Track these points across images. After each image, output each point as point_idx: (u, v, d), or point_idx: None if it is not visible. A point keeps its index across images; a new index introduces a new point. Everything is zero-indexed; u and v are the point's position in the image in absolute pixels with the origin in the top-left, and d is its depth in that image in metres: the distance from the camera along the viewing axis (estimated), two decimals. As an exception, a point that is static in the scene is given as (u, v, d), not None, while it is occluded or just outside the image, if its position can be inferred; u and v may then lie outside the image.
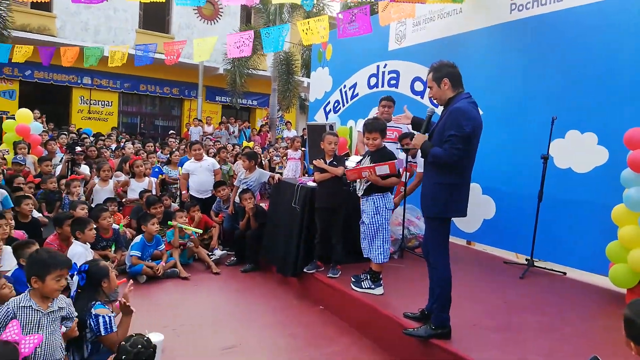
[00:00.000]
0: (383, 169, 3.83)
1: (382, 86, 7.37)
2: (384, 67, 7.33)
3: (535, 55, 5.09)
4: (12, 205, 5.01)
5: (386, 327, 3.62)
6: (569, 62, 4.77)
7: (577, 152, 4.68)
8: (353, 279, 4.20)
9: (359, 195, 4.07)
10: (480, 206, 5.49)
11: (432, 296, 3.32)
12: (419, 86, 6.62)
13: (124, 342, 2.41)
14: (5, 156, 6.92)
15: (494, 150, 5.41)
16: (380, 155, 3.95)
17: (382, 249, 3.98)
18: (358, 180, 4.02)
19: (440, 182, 3.07)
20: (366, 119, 4.27)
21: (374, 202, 3.95)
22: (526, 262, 4.88)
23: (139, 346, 2.36)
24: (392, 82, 7.16)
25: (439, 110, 3.30)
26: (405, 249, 5.25)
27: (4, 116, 8.90)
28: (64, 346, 2.69)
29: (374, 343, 3.73)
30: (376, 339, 3.75)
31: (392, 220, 5.39)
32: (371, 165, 3.87)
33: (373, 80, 7.59)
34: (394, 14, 5.91)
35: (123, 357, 2.34)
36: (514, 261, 5.28)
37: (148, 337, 2.45)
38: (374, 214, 3.95)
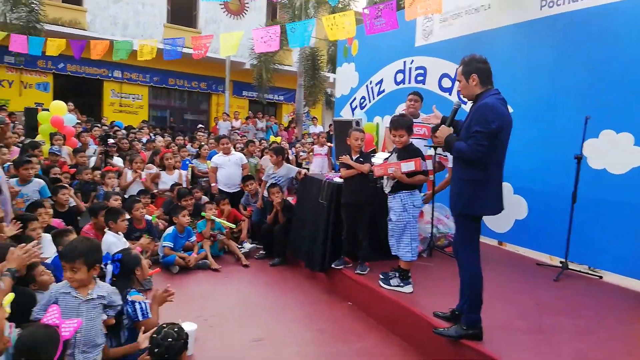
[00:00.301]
0: (408, 165, 3.82)
1: (409, 82, 7.29)
2: (411, 63, 7.25)
3: (566, 52, 4.96)
4: (50, 195, 5.16)
5: (415, 325, 3.61)
6: (602, 60, 4.62)
7: (612, 152, 4.55)
8: (381, 277, 4.20)
9: (387, 192, 4.06)
10: (512, 206, 5.39)
11: (462, 296, 3.29)
12: (446, 83, 6.54)
13: (155, 335, 2.45)
14: (41, 147, 7.14)
15: (525, 149, 5.31)
16: (406, 152, 3.93)
17: (409, 247, 3.96)
18: (385, 177, 4.02)
19: (464, 178, 3.05)
20: (392, 115, 4.24)
21: (402, 200, 3.93)
22: (560, 265, 4.78)
23: (170, 339, 2.40)
24: (419, 78, 7.09)
25: (467, 106, 3.25)
26: (434, 247, 5.21)
27: (39, 108, 9.13)
28: (104, 332, 2.77)
29: (402, 341, 3.72)
30: (405, 336, 3.74)
31: (420, 219, 5.38)
32: (398, 162, 3.86)
33: (400, 77, 7.53)
34: (420, 9, 5.84)
35: (155, 350, 2.38)
36: (548, 263, 5.18)
37: (179, 328, 2.48)
38: (401, 212, 3.93)
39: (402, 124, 3.91)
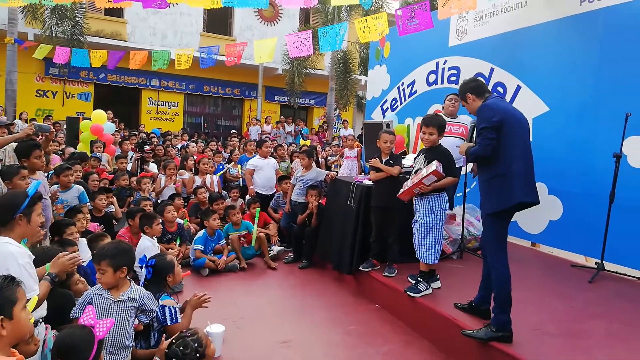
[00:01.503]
0: (430, 179, 3.72)
1: (442, 83, 7.21)
2: (444, 63, 7.17)
3: (606, 48, 4.80)
4: (88, 201, 5.37)
5: (444, 328, 3.56)
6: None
7: (654, 150, 4.37)
8: (408, 290, 4.00)
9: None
10: (546, 206, 5.24)
11: (481, 289, 3.45)
12: (480, 82, 6.43)
13: (174, 341, 2.50)
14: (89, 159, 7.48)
15: (561, 148, 5.18)
16: (434, 153, 3.84)
17: (433, 250, 3.87)
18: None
19: (489, 177, 3.17)
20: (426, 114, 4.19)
21: (429, 202, 3.87)
22: (596, 266, 4.61)
23: (186, 349, 2.44)
24: (452, 78, 6.99)
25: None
26: (465, 250, 5.13)
27: (80, 117, 9.55)
28: (133, 336, 2.86)
29: (431, 344, 3.68)
30: (433, 339, 3.69)
31: (452, 221, 5.31)
32: (419, 180, 3.76)
33: (432, 77, 7.45)
34: (454, 8, 5.77)
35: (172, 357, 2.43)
36: (583, 264, 5.01)
37: (198, 338, 2.53)
38: (428, 213, 3.87)
39: (434, 122, 3.83)
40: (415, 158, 4.11)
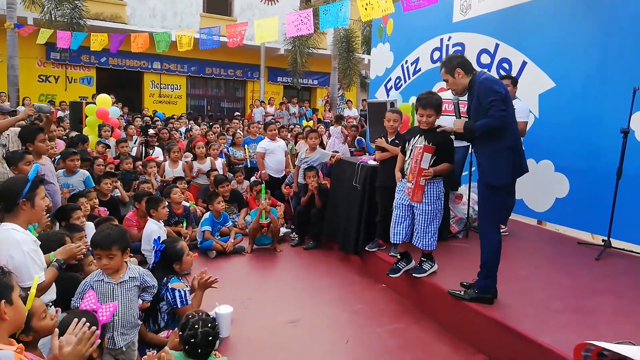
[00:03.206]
0: (425, 159, 3.53)
1: (447, 60, 7.11)
2: (448, 40, 7.06)
3: (613, 22, 4.70)
4: (94, 185, 5.39)
5: (450, 307, 3.58)
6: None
7: (663, 125, 4.32)
8: (413, 271, 3.96)
9: None
10: (553, 184, 5.22)
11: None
12: (485, 59, 6.34)
13: (188, 317, 2.51)
14: (88, 140, 7.45)
15: (567, 124, 5.13)
16: (435, 136, 3.61)
17: (435, 237, 3.79)
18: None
19: (498, 149, 3.17)
20: (420, 93, 3.90)
21: (436, 187, 3.71)
22: (602, 243, 4.60)
23: (200, 327, 2.45)
24: (457, 55, 6.90)
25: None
26: (470, 229, 5.13)
27: (84, 102, 9.51)
28: (139, 314, 2.88)
29: (436, 322, 3.70)
30: (439, 318, 3.72)
31: (458, 200, 5.30)
32: (417, 168, 3.55)
33: (436, 54, 7.34)
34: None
35: (187, 335, 2.44)
36: (589, 242, 5.00)
37: (213, 319, 2.54)
38: (435, 199, 3.71)
39: (430, 103, 3.61)
40: (414, 140, 3.75)
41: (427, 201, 3.71)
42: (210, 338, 2.43)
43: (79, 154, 5.43)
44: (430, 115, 3.62)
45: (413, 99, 7.75)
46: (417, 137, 3.70)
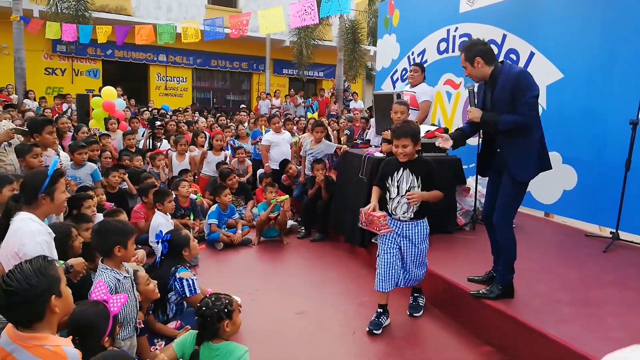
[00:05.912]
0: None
1: (453, 51, 7.06)
2: (455, 30, 7.01)
3: (622, 12, 4.64)
4: (101, 178, 5.42)
5: (456, 298, 3.58)
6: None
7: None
8: (411, 311, 3.74)
9: (407, 218, 3.38)
10: (560, 176, 5.19)
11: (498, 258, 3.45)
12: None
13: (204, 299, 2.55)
14: (96, 133, 7.48)
15: (575, 115, 5.09)
16: (420, 167, 3.34)
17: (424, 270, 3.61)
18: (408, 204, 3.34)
19: (530, 140, 3.07)
20: (394, 124, 3.58)
21: (425, 226, 3.45)
22: (610, 235, 4.58)
23: (218, 303, 2.48)
24: (464, 46, 6.85)
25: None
26: (477, 221, 5.12)
27: (90, 94, 9.54)
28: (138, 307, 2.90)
29: (443, 314, 3.71)
30: (446, 309, 3.72)
31: (462, 192, 5.29)
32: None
33: (443, 45, 7.30)
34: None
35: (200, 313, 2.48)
36: (597, 234, 4.98)
37: (231, 298, 2.57)
38: (424, 238, 3.45)
39: (405, 132, 3.23)
40: (392, 174, 3.42)
41: (418, 241, 3.43)
42: (221, 310, 2.43)
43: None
44: (406, 145, 3.25)
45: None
46: (400, 172, 3.36)
